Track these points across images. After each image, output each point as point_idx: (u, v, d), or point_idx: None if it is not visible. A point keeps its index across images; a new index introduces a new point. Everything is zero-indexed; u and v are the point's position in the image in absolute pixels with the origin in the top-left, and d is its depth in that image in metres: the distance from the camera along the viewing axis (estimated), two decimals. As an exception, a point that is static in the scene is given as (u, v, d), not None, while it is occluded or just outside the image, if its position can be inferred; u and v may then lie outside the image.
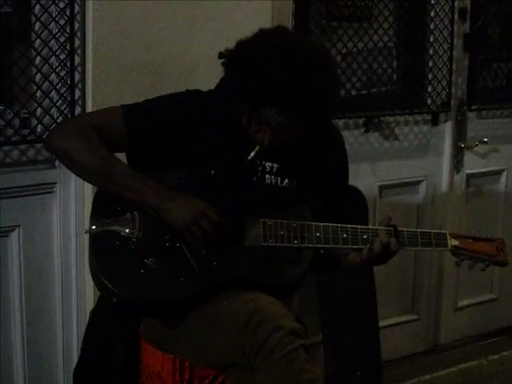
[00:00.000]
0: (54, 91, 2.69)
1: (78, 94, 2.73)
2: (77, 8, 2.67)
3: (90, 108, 2.73)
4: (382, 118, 3.60)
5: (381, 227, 2.26)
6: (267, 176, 2.26)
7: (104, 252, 2.15)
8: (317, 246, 2.22)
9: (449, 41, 3.67)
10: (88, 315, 2.63)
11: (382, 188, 3.68)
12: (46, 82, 2.67)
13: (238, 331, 2.05)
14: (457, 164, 3.89)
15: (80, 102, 2.74)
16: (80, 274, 2.83)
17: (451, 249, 2.30)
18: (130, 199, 2.16)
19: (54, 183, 2.78)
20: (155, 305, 2.16)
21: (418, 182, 3.81)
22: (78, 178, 2.44)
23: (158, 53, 2.83)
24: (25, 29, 2.65)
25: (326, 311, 3.37)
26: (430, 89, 3.71)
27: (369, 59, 3.51)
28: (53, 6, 2.63)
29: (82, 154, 2.16)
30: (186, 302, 2.16)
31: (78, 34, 2.70)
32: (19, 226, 2.75)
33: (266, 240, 2.18)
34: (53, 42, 2.66)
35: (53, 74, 2.68)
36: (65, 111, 2.70)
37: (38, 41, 2.64)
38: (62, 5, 2.65)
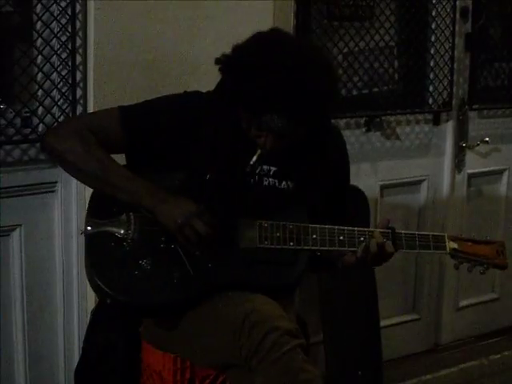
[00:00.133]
0: (55, 90, 2.69)
1: (79, 92, 2.73)
2: (78, 7, 2.67)
3: (91, 107, 2.73)
4: (383, 118, 3.59)
5: (378, 229, 2.25)
6: (265, 178, 2.25)
7: (99, 253, 2.14)
8: (313, 248, 2.21)
9: (450, 40, 3.66)
10: (89, 315, 2.62)
11: (383, 187, 3.68)
12: (48, 81, 2.67)
13: (233, 333, 2.05)
14: (458, 164, 3.89)
15: (81, 101, 2.74)
16: (81, 273, 2.81)
17: (449, 252, 2.28)
18: (126, 201, 2.15)
19: (56, 182, 2.78)
20: (149, 306, 2.15)
21: (420, 182, 3.80)
22: (78, 177, 2.44)
23: (160, 52, 2.82)
24: (26, 28, 2.65)
25: (327, 311, 3.37)
26: (431, 88, 3.71)
27: (370, 59, 3.51)
28: (54, 5, 2.63)
29: (77, 156, 2.15)
30: (180, 304, 2.16)
31: (80, 33, 2.70)
32: (20, 225, 2.74)
33: (261, 242, 2.17)
34: (54, 41, 2.66)
35: (54, 73, 2.68)
36: (66, 110, 2.70)
37: (40, 40, 2.64)
38: (63, 4, 2.65)
